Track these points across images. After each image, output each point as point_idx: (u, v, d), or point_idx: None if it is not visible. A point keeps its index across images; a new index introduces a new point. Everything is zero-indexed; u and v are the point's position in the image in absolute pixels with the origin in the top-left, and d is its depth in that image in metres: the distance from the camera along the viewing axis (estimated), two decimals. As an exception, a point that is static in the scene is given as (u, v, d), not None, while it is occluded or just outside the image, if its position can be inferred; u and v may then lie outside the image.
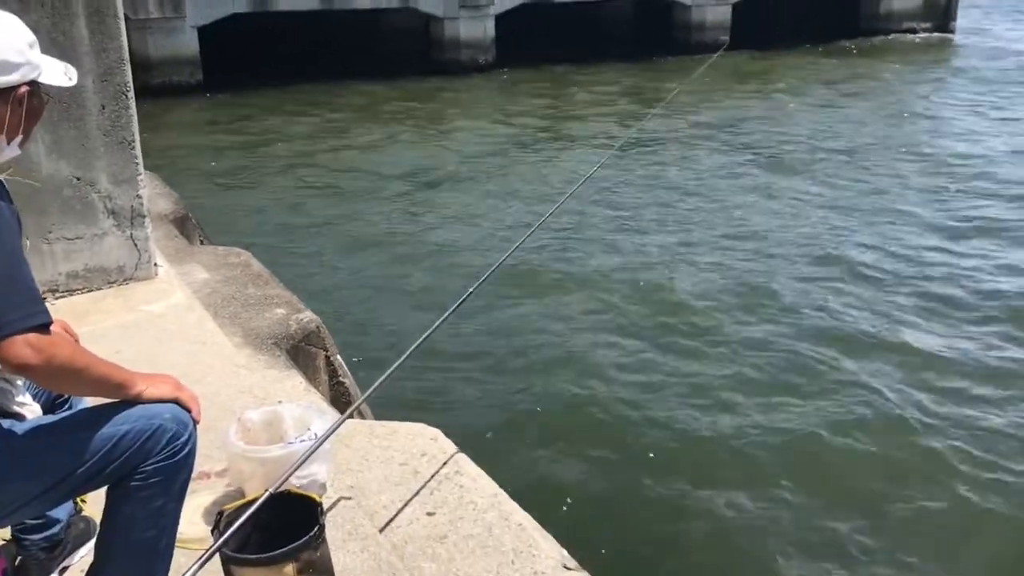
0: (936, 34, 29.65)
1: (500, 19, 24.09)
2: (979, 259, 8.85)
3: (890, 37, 28.94)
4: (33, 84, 2.10)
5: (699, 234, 9.70)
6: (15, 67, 2.04)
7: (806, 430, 5.71)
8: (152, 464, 2.07)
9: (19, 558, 2.51)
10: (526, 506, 3.10)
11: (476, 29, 23.85)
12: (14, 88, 2.06)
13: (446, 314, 3.22)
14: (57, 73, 2.18)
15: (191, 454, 2.15)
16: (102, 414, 2.09)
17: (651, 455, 5.45)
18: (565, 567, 2.75)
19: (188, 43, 20.63)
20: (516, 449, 5.41)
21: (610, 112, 17.84)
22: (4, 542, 2.43)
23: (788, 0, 29.66)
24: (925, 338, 7.05)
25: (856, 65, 23.88)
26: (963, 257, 8.90)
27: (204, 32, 20.82)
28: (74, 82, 2.23)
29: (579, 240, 9.50)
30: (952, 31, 30.06)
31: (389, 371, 2.82)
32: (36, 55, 2.11)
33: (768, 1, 28.63)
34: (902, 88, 20.17)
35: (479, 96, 20.83)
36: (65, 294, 4.93)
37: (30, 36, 2.11)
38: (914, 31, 29.79)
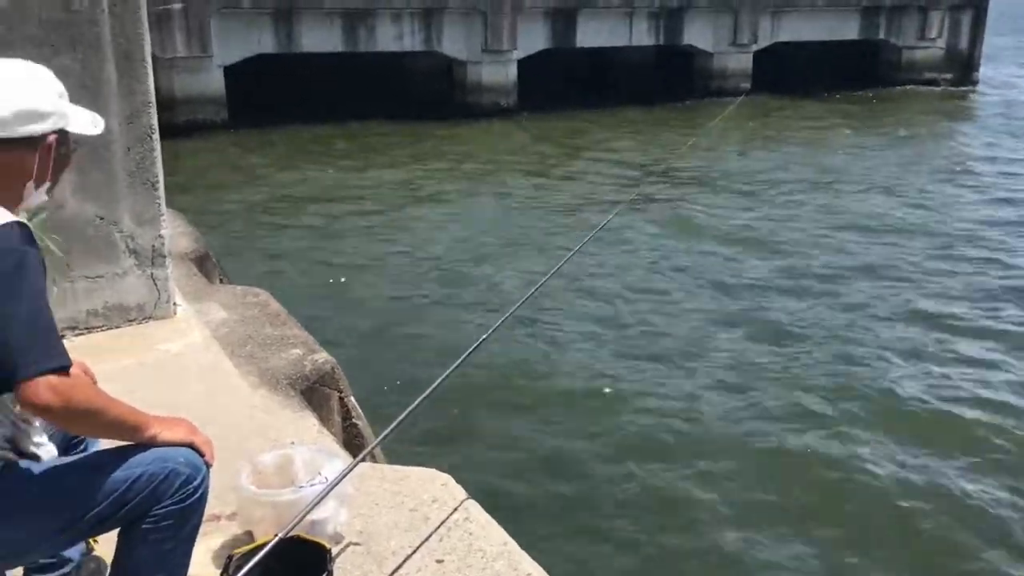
0: (958, 87, 29.71)
1: (522, 63, 24.37)
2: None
3: (909, 88, 29.05)
4: (61, 133, 2.16)
5: (709, 291, 9.69)
6: (45, 116, 2.11)
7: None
8: (164, 508, 2.10)
9: (30, 597, 2.53)
10: (535, 556, 3.10)
11: (498, 73, 24.12)
12: (44, 137, 2.11)
13: (459, 360, 3.24)
14: (85, 122, 2.24)
15: (203, 498, 2.17)
16: (116, 457, 2.12)
17: (670, 508, 5.40)
18: (572, 619, 2.74)
19: (214, 82, 20.94)
20: (527, 498, 5.39)
21: (628, 159, 17.93)
22: (16, 581, 2.45)
23: (809, 48, 29.89)
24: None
25: (875, 115, 23.98)
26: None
27: (230, 71, 21.16)
28: (100, 130, 2.29)
29: (593, 290, 9.52)
30: (975, 82, 30.15)
31: (401, 416, 2.83)
32: (65, 105, 2.18)
33: (789, 49, 28.88)
34: (918, 140, 20.21)
35: (500, 140, 21.01)
36: (84, 331, 4.99)
37: (60, 87, 2.18)
38: (936, 82, 29.87)
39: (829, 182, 15.22)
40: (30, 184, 2.13)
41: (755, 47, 27.40)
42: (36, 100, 2.09)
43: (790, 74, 28.67)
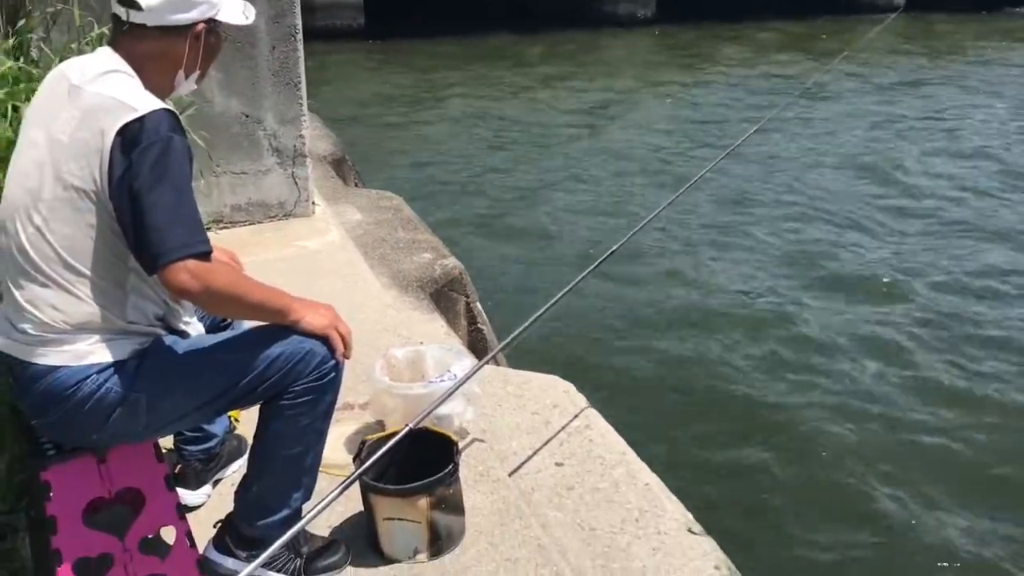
0: None
1: (663, -27, 23.54)
2: None
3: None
4: (211, 22, 2.19)
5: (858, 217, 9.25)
6: (193, 5, 2.13)
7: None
8: (302, 385, 2.19)
9: (179, 466, 2.72)
10: (653, 468, 3.12)
11: (637, -18, 23.39)
12: (192, 25, 2.14)
13: (587, 270, 3.24)
14: (235, 12, 2.26)
15: (337, 378, 2.26)
16: (258, 336, 2.22)
17: (790, 434, 5.29)
18: (690, 531, 2.76)
19: (353, -13, 21.10)
20: (647, 411, 5.39)
21: (770, 74, 17.21)
22: (167, 450, 2.62)
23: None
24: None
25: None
26: None
27: (369, -23, 21.24)
28: (251, 20, 2.32)
29: (725, 207, 9.28)
30: None
31: (528, 322, 2.85)
32: None
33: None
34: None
35: (636, 52, 20.49)
36: (228, 225, 5.22)
37: None
38: None
39: (998, 114, 14.14)
40: (180, 73, 2.19)
41: (914, -43, 25.61)
42: None
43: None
